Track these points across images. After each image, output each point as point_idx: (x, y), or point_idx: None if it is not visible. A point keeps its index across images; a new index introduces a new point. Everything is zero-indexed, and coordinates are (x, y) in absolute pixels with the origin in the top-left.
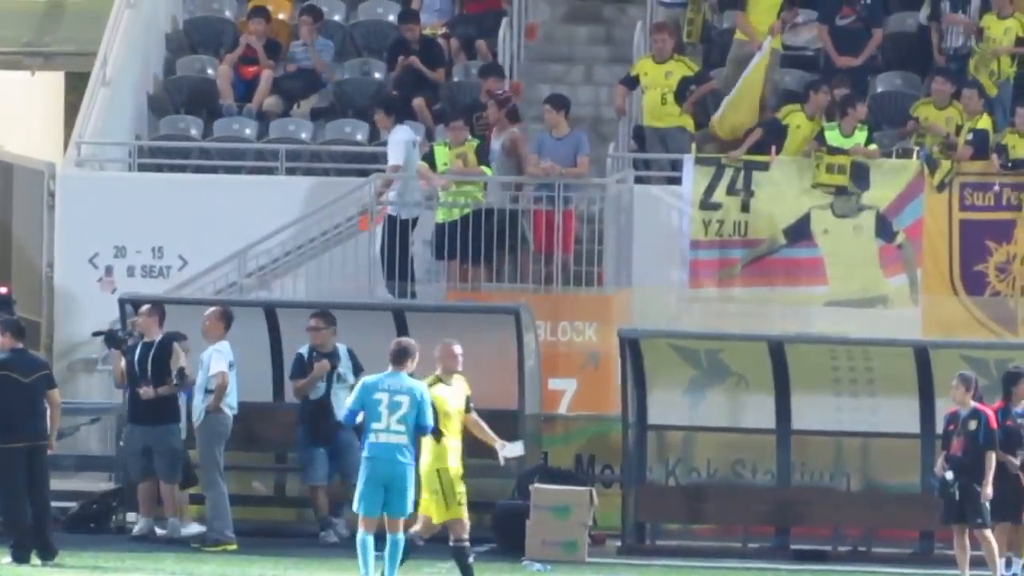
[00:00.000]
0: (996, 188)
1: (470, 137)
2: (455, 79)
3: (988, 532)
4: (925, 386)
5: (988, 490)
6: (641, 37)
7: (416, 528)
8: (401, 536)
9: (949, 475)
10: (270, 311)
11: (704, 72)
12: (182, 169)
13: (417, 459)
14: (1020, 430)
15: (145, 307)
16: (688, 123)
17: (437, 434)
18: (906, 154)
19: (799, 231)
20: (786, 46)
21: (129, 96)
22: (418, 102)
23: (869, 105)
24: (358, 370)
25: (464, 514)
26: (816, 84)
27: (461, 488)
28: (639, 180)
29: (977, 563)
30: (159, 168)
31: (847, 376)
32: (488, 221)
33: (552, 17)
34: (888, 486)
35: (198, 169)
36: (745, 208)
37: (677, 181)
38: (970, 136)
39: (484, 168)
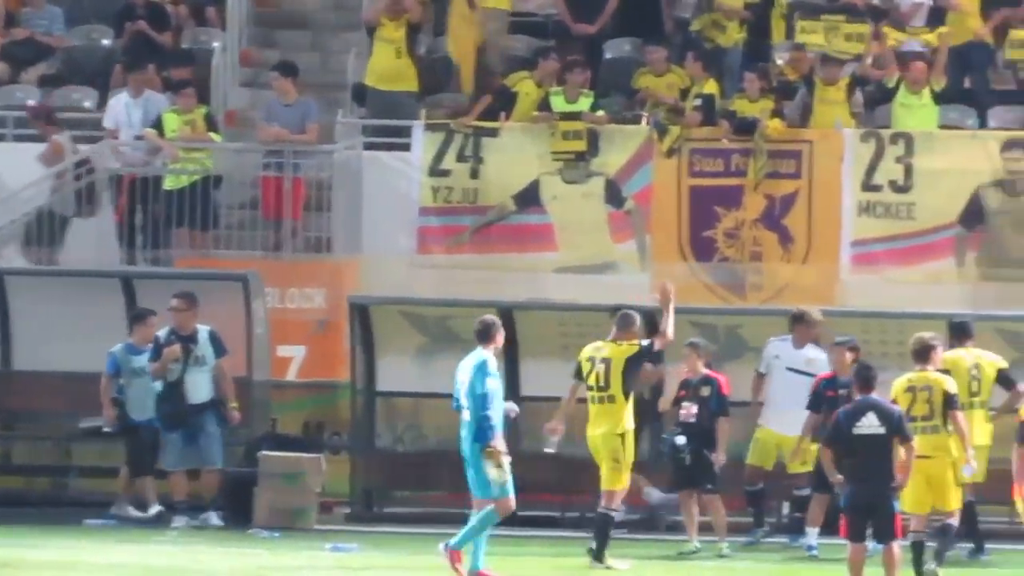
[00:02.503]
0: (726, 154)
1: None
2: (184, 45)
3: (717, 498)
4: None
5: (721, 456)
6: (370, 2)
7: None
8: (483, 511)
9: (681, 440)
10: None
11: (436, 27)
12: None
13: None
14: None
15: None
16: (414, 85)
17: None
18: (635, 120)
19: (528, 198)
20: (516, 12)
21: None
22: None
23: (599, 72)
24: (220, 353)
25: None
26: (545, 51)
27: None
28: (368, 147)
29: (705, 529)
30: None
31: (577, 343)
32: (217, 188)
33: None
34: None
35: None
36: (475, 175)
37: (406, 147)
38: (697, 101)
39: (213, 135)
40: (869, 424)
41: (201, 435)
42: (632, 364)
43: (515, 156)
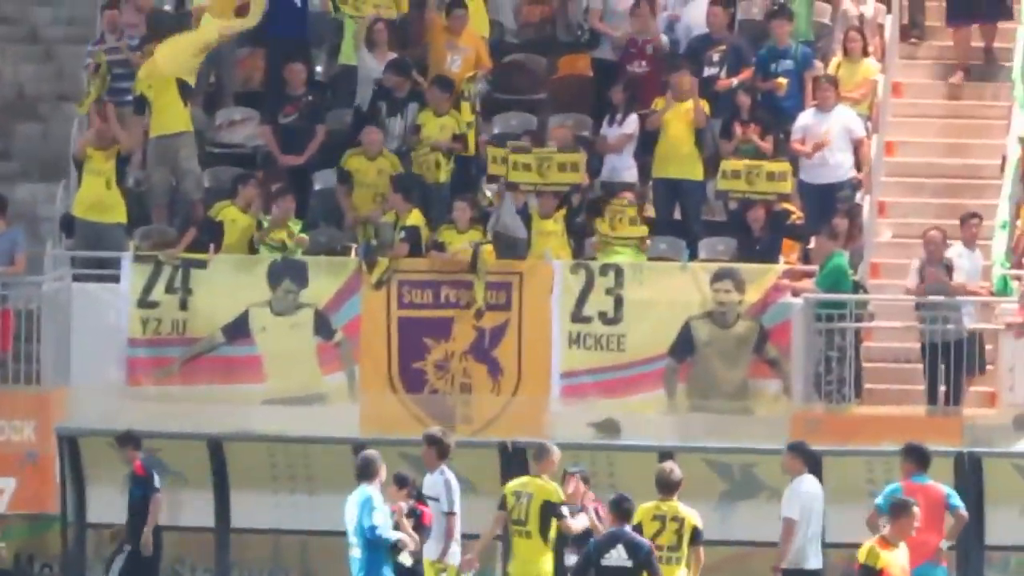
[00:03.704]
0: (435, 286)
1: None
2: None
3: None
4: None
5: None
6: (78, 133)
7: None
8: None
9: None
10: None
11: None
12: None
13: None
14: None
15: None
16: (122, 216)
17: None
18: (345, 251)
19: (237, 329)
20: (223, 143)
21: None
22: None
23: (309, 202)
24: None
25: None
26: (244, 177)
27: None
28: (77, 278)
29: None
30: None
31: (285, 473)
32: None
33: None
34: None
35: None
36: (184, 306)
37: (115, 279)
38: (403, 234)
39: None
40: (617, 556)
41: None
42: (547, 511)
43: (224, 287)
